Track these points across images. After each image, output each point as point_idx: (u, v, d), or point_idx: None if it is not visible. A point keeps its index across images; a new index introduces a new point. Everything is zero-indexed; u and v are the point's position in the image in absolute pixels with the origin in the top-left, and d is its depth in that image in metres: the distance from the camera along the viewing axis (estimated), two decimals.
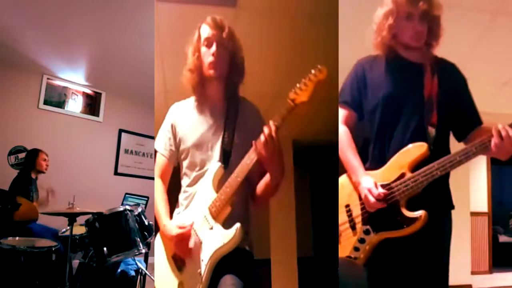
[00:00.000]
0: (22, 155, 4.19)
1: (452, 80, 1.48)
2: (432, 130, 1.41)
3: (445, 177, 1.44)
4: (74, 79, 4.78)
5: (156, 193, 1.52)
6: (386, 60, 1.53)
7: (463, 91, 1.50)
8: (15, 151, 4.29)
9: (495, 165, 5.45)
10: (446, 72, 1.49)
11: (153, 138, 1.65)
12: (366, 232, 1.44)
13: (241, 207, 1.43)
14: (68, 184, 4.34)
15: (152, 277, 2.76)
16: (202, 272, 1.32)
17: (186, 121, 1.53)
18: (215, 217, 1.36)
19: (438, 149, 1.39)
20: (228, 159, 1.44)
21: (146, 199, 3.92)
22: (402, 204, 1.38)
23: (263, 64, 2.66)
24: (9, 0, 3.11)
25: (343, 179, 1.55)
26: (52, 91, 4.69)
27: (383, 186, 1.41)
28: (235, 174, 1.34)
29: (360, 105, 1.55)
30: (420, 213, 1.34)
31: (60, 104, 4.76)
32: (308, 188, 5.41)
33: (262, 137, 1.26)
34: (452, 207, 1.47)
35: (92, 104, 5.07)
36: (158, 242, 1.54)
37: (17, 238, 2.62)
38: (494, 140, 1.27)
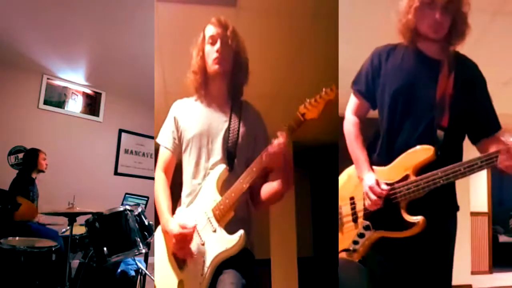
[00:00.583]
0: (22, 155, 4.19)
1: (470, 80, 1.41)
2: (440, 134, 1.36)
3: (453, 182, 1.38)
4: (74, 79, 4.79)
5: (158, 187, 1.51)
6: (404, 51, 1.46)
7: (481, 93, 1.43)
8: (15, 151, 4.29)
9: None
10: (464, 71, 1.41)
11: (153, 138, 1.65)
12: (366, 228, 1.44)
13: (242, 207, 1.43)
14: (68, 184, 4.35)
15: (152, 277, 2.76)
16: (204, 274, 1.33)
17: (189, 115, 1.54)
18: (218, 220, 1.36)
19: (447, 154, 1.34)
20: (233, 161, 1.44)
21: (146, 199, 3.92)
22: (403, 207, 1.37)
23: (263, 64, 2.66)
24: (9, 0, 3.11)
25: (350, 171, 1.53)
26: (52, 91, 4.69)
27: (386, 185, 1.39)
28: (241, 180, 1.34)
29: (373, 94, 1.50)
30: (418, 218, 1.32)
31: (60, 104, 4.76)
32: (308, 188, 5.42)
33: (273, 147, 1.25)
34: (457, 208, 1.44)
35: (92, 104, 5.07)
36: (159, 238, 1.53)
37: (17, 238, 2.61)
38: (501, 157, 1.22)
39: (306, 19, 2.44)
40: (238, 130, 1.47)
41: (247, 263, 1.39)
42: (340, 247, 1.50)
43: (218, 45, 1.46)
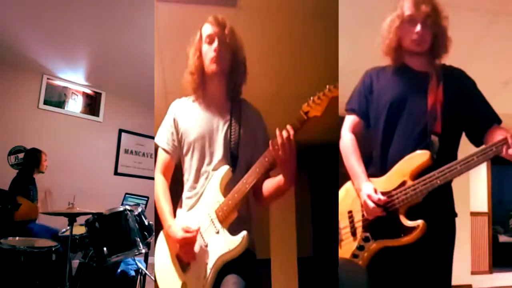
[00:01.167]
0: (22, 155, 4.19)
1: (458, 86, 1.46)
2: (435, 139, 1.39)
3: (448, 186, 1.42)
4: (74, 79, 4.79)
5: (158, 190, 1.51)
6: (393, 69, 1.54)
7: (472, 95, 1.47)
8: (15, 151, 4.29)
9: (495, 165, 5.45)
10: (452, 79, 1.47)
11: (153, 138, 1.64)
12: (366, 240, 1.44)
13: (243, 206, 1.43)
14: (68, 184, 4.34)
15: (152, 277, 2.76)
16: (207, 276, 1.32)
17: (189, 116, 1.52)
18: (221, 221, 1.35)
19: (443, 158, 1.36)
20: (235, 162, 1.44)
21: (146, 199, 3.92)
22: (402, 213, 1.37)
23: (263, 65, 2.66)
24: (9, 1, 3.11)
25: (348, 186, 1.56)
26: (52, 91, 4.69)
27: (383, 193, 1.40)
28: (244, 180, 1.33)
29: (367, 113, 1.56)
30: (418, 222, 1.33)
31: (60, 104, 4.76)
32: (308, 188, 5.41)
33: (279, 140, 1.24)
34: (455, 215, 1.45)
35: (92, 104, 5.07)
36: (161, 241, 1.53)
37: (17, 238, 2.62)
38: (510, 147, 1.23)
39: (306, 19, 2.44)
40: (239, 130, 1.47)
41: (249, 263, 1.39)
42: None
43: (215, 44, 1.45)
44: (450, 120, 1.42)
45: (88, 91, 5.04)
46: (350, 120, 1.59)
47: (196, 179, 1.47)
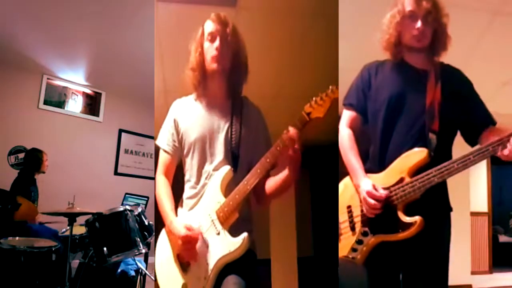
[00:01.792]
0: (22, 155, 4.19)
1: (456, 86, 1.47)
2: (433, 137, 1.41)
3: (443, 183, 1.43)
4: (74, 79, 4.79)
5: (160, 189, 1.50)
6: (392, 65, 1.55)
7: (469, 96, 1.48)
8: (15, 151, 4.29)
9: (495, 165, 5.45)
10: (450, 78, 1.48)
11: (153, 138, 1.63)
12: (364, 234, 1.45)
13: (244, 207, 1.42)
14: (68, 184, 4.34)
15: (152, 277, 2.76)
16: (207, 277, 1.32)
17: (189, 116, 1.52)
18: (222, 222, 1.35)
19: (440, 156, 1.38)
20: (237, 162, 1.43)
21: (146, 199, 3.92)
22: (400, 209, 1.38)
23: (263, 64, 2.66)
24: (9, 1, 3.11)
25: (346, 181, 1.56)
26: (52, 91, 4.69)
27: (383, 189, 1.41)
28: (245, 181, 1.33)
29: (365, 108, 1.56)
30: (415, 218, 1.34)
31: (60, 104, 4.76)
32: (308, 188, 5.41)
33: (289, 133, 1.24)
34: (450, 209, 1.47)
35: (92, 104, 5.07)
36: (162, 239, 1.53)
37: (17, 238, 2.61)
38: (509, 147, 1.23)
39: (306, 19, 2.44)
40: (240, 130, 1.46)
41: (249, 263, 1.38)
42: (339, 255, 1.50)
43: (217, 42, 1.44)
44: (447, 118, 1.43)
45: (88, 91, 5.04)
46: (348, 115, 1.59)
47: (197, 179, 1.46)
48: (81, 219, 2.75)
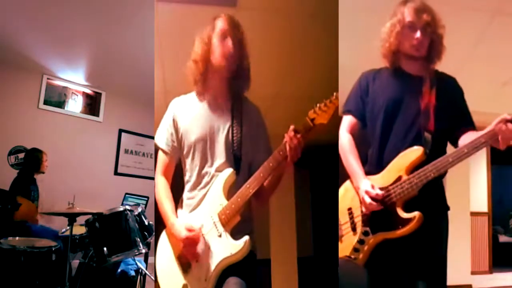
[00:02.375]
0: (22, 155, 4.19)
1: (450, 92, 1.54)
2: (428, 136, 1.46)
3: (440, 181, 1.50)
4: (74, 79, 4.79)
5: (160, 190, 1.50)
6: (389, 72, 1.61)
7: (460, 102, 1.56)
8: (15, 151, 4.29)
9: (495, 165, 5.45)
10: (444, 85, 1.55)
11: (153, 138, 1.63)
12: (365, 234, 1.49)
13: (245, 208, 1.42)
14: (68, 184, 4.34)
15: (152, 277, 2.76)
16: (208, 278, 1.33)
17: (188, 115, 1.51)
18: (224, 224, 1.35)
19: (435, 154, 1.42)
20: (239, 165, 1.43)
21: (146, 199, 3.92)
22: (399, 206, 1.43)
23: (263, 65, 2.65)
24: (9, 1, 3.11)
25: (347, 184, 1.61)
26: (52, 91, 4.69)
27: (381, 189, 1.46)
28: (247, 185, 1.33)
29: (363, 113, 1.63)
30: (414, 214, 1.38)
31: (60, 104, 4.76)
32: (308, 188, 5.41)
33: (290, 144, 1.25)
34: (447, 208, 1.52)
35: (92, 104, 5.07)
36: (163, 241, 1.53)
37: (17, 238, 2.61)
38: (501, 127, 1.28)
39: (306, 19, 2.44)
40: (241, 131, 1.45)
41: (249, 264, 1.38)
42: (340, 255, 1.54)
43: (230, 41, 1.44)
44: (441, 120, 1.49)
45: (88, 91, 5.04)
46: (347, 121, 1.65)
47: (198, 180, 1.46)
48: (81, 219, 2.75)
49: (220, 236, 1.35)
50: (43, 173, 3.68)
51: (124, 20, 3.37)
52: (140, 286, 2.96)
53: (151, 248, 2.41)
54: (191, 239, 1.36)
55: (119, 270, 3.15)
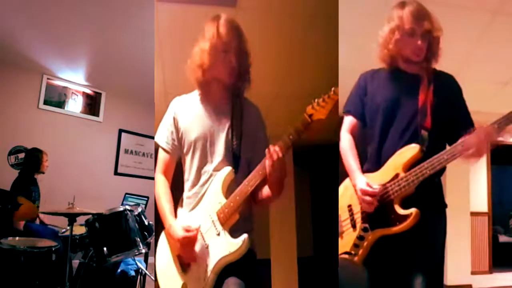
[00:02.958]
0: (22, 155, 4.19)
1: (447, 90, 1.55)
2: (425, 134, 1.48)
3: (438, 179, 1.51)
4: (74, 79, 4.79)
5: (159, 190, 1.50)
6: (386, 71, 1.63)
7: (458, 100, 1.57)
8: (15, 151, 4.29)
9: (495, 165, 5.45)
10: (442, 82, 1.56)
11: (153, 138, 1.63)
12: (364, 230, 1.51)
13: (244, 207, 1.42)
14: (68, 184, 4.35)
15: (152, 277, 2.76)
16: (207, 278, 1.33)
17: (189, 114, 1.51)
18: (223, 223, 1.35)
19: (433, 151, 1.43)
20: (238, 163, 1.43)
21: (146, 199, 3.92)
22: (396, 203, 1.45)
23: (263, 65, 2.65)
24: (9, 1, 3.11)
25: (346, 182, 1.63)
26: (52, 91, 4.69)
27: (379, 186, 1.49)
28: (246, 182, 1.33)
29: (363, 113, 1.65)
30: (411, 210, 1.40)
31: (60, 104, 4.76)
32: (308, 188, 5.42)
33: (268, 161, 1.25)
34: (445, 206, 1.54)
35: (92, 104, 5.07)
36: (162, 240, 1.53)
37: (17, 238, 2.61)
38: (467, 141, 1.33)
39: (306, 19, 2.44)
40: (241, 130, 1.46)
41: (249, 263, 1.38)
42: (340, 251, 1.56)
43: (233, 58, 1.42)
44: (439, 117, 1.50)
45: (88, 91, 5.04)
46: (348, 121, 1.67)
47: (197, 179, 1.46)
48: (81, 219, 2.75)
49: (218, 234, 1.34)
50: (43, 173, 3.68)
51: (124, 20, 3.37)
52: (140, 286, 2.96)
53: (151, 248, 2.41)
54: (188, 239, 1.36)
55: (119, 270, 3.15)
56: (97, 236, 2.54)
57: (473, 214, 4.82)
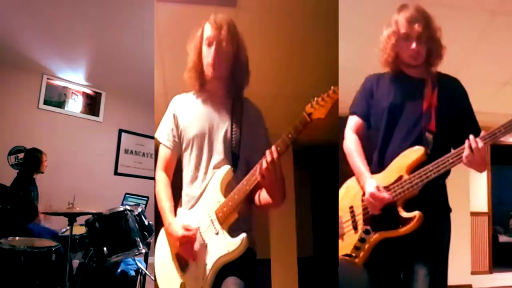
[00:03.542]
0: (22, 155, 4.19)
1: (452, 94, 1.55)
2: (429, 136, 1.48)
3: (442, 182, 1.51)
4: (74, 79, 4.79)
5: (160, 187, 1.50)
6: (391, 75, 1.64)
7: (464, 104, 1.56)
8: (15, 151, 4.29)
9: (495, 165, 5.45)
10: (447, 86, 1.56)
11: (153, 138, 1.63)
12: (366, 232, 1.50)
13: (243, 206, 1.42)
14: (68, 184, 4.34)
15: (152, 277, 2.76)
16: (206, 277, 1.32)
17: (189, 112, 1.52)
18: (221, 222, 1.35)
19: (438, 154, 1.43)
20: (237, 162, 1.43)
21: (146, 199, 3.92)
22: (399, 205, 1.44)
23: (263, 65, 2.66)
24: (9, 0, 3.11)
25: (348, 183, 1.63)
26: (52, 91, 4.69)
27: (383, 188, 1.47)
28: (244, 182, 1.33)
29: (368, 115, 1.66)
30: (415, 213, 1.39)
31: (60, 104, 4.76)
32: (308, 188, 5.42)
33: (264, 163, 1.24)
34: (449, 210, 1.52)
35: (92, 104, 5.07)
36: (161, 239, 1.53)
37: (17, 238, 2.61)
38: (465, 153, 1.34)
39: (306, 19, 2.44)
40: (240, 130, 1.46)
41: (248, 263, 1.38)
42: (341, 253, 1.55)
43: (213, 49, 1.44)
44: (443, 121, 1.50)
45: (88, 91, 5.04)
46: (353, 121, 1.68)
47: (195, 176, 1.46)
48: (81, 219, 2.75)
49: (217, 234, 1.34)
50: (42, 173, 3.68)
51: (124, 20, 3.37)
52: (140, 286, 2.96)
53: (151, 248, 2.41)
54: (187, 238, 1.36)
55: (119, 270, 3.15)
56: (97, 236, 2.54)
57: (473, 214, 4.82)
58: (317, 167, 5.12)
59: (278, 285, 4.42)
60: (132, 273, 3.15)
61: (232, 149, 1.44)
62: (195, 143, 1.46)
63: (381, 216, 1.47)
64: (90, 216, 2.61)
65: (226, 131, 1.46)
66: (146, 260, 3.10)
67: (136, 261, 3.00)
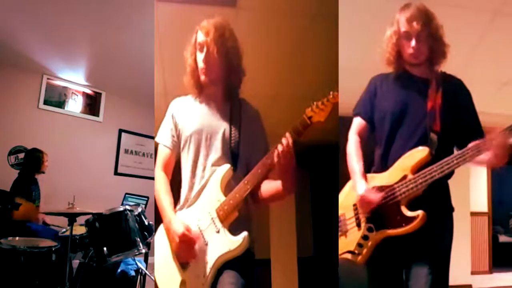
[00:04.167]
0: (22, 155, 4.19)
1: (456, 94, 1.56)
2: (434, 137, 1.48)
3: (445, 182, 1.51)
4: (74, 79, 4.79)
5: (159, 186, 1.51)
6: (395, 76, 1.64)
7: (467, 105, 1.57)
8: (15, 151, 4.29)
9: None
10: (451, 87, 1.56)
11: (153, 138, 1.65)
12: (369, 230, 1.51)
13: (243, 206, 1.42)
14: (68, 184, 4.34)
15: (152, 277, 2.76)
16: (206, 275, 1.33)
17: (187, 112, 1.54)
18: (222, 220, 1.35)
19: (442, 155, 1.43)
20: (236, 161, 1.44)
21: (146, 199, 3.93)
22: (403, 204, 1.45)
23: (263, 65, 2.66)
24: (9, 1, 3.11)
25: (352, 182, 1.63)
26: (52, 91, 4.69)
27: (386, 187, 1.49)
28: (245, 181, 1.34)
29: (372, 117, 1.66)
30: (418, 212, 1.40)
31: (60, 104, 4.76)
32: (308, 188, 5.41)
33: (279, 148, 1.25)
34: (452, 209, 1.53)
35: (92, 104, 5.07)
36: (161, 236, 1.52)
37: (17, 238, 2.61)
38: (494, 150, 1.32)
39: (306, 19, 2.44)
40: (239, 130, 1.47)
41: (247, 262, 1.38)
42: (344, 250, 1.56)
43: (204, 54, 1.46)
44: (447, 121, 1.51)
45: (88, 91, 5.04)
46: (357, 123, 1.69)
47: (193, 173, 1.47)
48: (81, 219, 2.75)
49: (218, 232, 1.35)
50: (44, 172, 3.68)
51: (124, 20, 3.37)
52: (140, 286, 2.96)
53: (151, 248, 2.41)
54: (187, 237, 1.36)
55: (119, 270, 3.15)
56: (97, 236, 2.54)
57: (473, 214, 4.82)
58: (317, 168, 5.11)
59: (278, 285, 4.42)
60: (132, 273, 3.15)
61: (231, 149, 1.45)
62: (192, 140, 1.48)
63: (384, 214, 1.48)
64: (90, 216, 2.61)
65: (225, 131, 1.47)
66: (146, 260, 3.10)
67: (136, 261, 3.00)
